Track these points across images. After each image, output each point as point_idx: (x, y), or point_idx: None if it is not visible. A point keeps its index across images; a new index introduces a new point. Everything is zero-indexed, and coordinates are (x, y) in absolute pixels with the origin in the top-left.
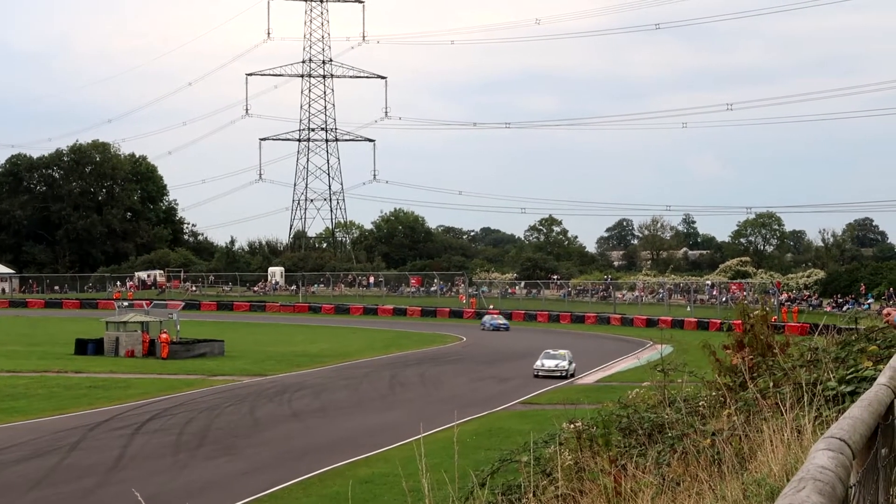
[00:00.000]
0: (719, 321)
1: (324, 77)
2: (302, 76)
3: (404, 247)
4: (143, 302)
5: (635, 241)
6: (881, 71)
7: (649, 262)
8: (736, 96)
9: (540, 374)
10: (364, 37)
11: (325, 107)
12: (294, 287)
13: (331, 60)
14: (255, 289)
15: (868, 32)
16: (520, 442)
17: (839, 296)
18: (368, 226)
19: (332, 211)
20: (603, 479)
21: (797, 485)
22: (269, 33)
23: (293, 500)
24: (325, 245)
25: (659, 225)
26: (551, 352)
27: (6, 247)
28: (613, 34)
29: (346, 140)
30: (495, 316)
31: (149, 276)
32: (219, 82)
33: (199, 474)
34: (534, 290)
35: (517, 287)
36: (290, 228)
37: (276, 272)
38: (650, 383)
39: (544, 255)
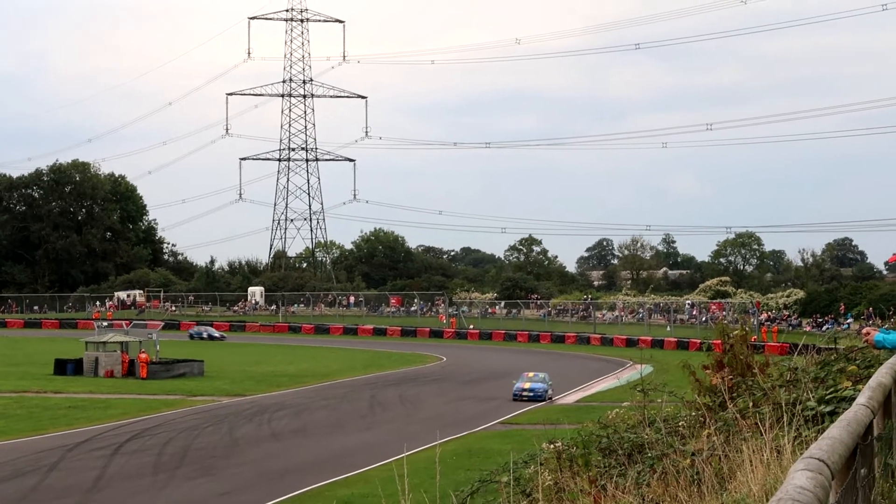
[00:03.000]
0: (699, 341)
1: (304, 97)
2: (282, 96)
3: (384, 266)
4: (123, 322)
5: (615, 261)
6: (859, 91)
7: (629, 282)
8: (715, 116)
9: None
10: (344, 57)
11: (306, 126)
12: (274, 307)
13: (311, 80)
14: (235, 309)
15: (845, 53)
16: (500, 462)
17: (819, 315)
18: (349, 246)
19: (312, 231)
20: (583, 499)
21: None
22: (249, 53)
23: None
24: (305, 265)
25: (639, 245)
26: None
27: None
28: (593, 54)
29: (327, 160)
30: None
31: (128, 296)
32: (199, 102)
33: (178, 495)
34: (514, 310)
35: (497, 307)
36: (271, 248)
37: (255, 292)
38: (630, 403)
39: (524, 275)
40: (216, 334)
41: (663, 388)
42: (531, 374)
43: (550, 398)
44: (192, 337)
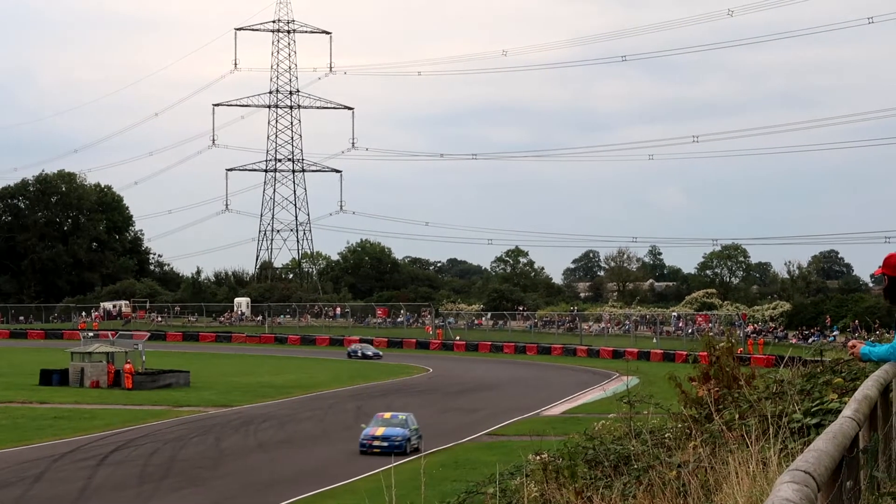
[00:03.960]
0: (685, 353)
1: (291, 108)
2: (269, 107)
3: (371, 278)
4: (109, 332)
5: (602, 273)
6: (846, 104)
7: (615, 294)
8: (702, 128)
9: None
10: (331, 68)
11: (292, 137)
12: (260, 318)
13: (298, 91)
14: (221, 319)
15: (832, 65)
16: (486, 473)
17: (805, 328)
18: (335, 257)
19: (298, 242)
20: None
21: None
22: (235, 64)
23: None
24: (291, 276)
25: (625, 256)
26: None
27: None
28: (580, 66)
29: (313, 171)
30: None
31: (114, 306)
32: (185, 113)
33: None
34: (500, 322)
35: (484, 318)
36: (257, 259)
37: (242, 303)
38: (616, 415)
39: (511, 287)
40: (369, 352)
41: (649, 399)
42: (387, 415)
43: (416, 448)
44: (349, 356)
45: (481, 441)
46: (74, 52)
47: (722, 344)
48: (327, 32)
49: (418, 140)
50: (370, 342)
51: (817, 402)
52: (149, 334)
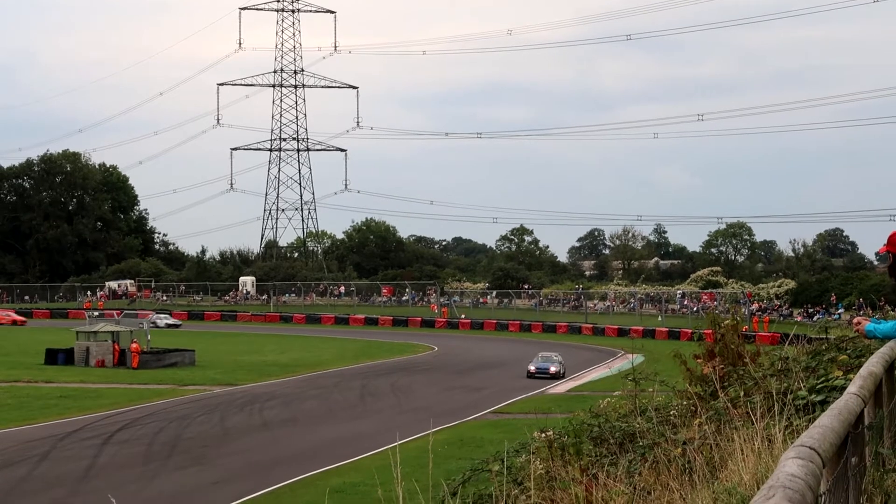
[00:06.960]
0: (690, 331)
1: (295, 87)
2: (273, 86)
3: (376, 256)
4: (114, 312)
5: (607, 251)
6: (851, 82)
7: (620, 272)
8: (707, 107)
9: None
10: (335, 47)
11: (297, 116)
12: (265, 297)
13: (302, 70)
14: (226, 298)
15: (836, 44)
16: (491, 451)
17: (810, 305)
18: (340, 235)
19: (303, 221)
20: (574, 488)
21: (767, 492)
22: (240, 43)
23: None
24: (296, 255)
25: (630, 235)
26: None
27: None
28: (585, 45)
29: (318, 150)
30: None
31: (119, 285)
32: (190, 92)
33: (169, 484)
34: (505, 300)
35: (489, 297)
36: (262, 238)
37: (247, 282)
38: (621, 392)
39: (516, 265)
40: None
41: (654, 377)
42: None
43: None
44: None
45: (486, 419)
46: (77, 32)
47: (727, 322)
48: (331, 12)
49: (423, 119)
50: None
51: (822, 379)
52: (153, 313)
